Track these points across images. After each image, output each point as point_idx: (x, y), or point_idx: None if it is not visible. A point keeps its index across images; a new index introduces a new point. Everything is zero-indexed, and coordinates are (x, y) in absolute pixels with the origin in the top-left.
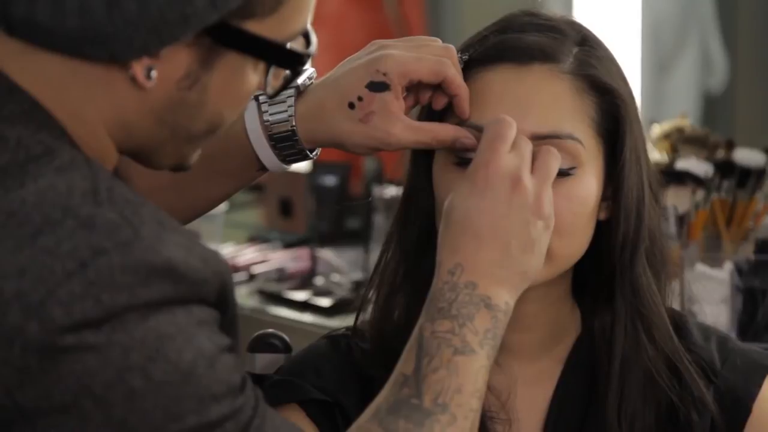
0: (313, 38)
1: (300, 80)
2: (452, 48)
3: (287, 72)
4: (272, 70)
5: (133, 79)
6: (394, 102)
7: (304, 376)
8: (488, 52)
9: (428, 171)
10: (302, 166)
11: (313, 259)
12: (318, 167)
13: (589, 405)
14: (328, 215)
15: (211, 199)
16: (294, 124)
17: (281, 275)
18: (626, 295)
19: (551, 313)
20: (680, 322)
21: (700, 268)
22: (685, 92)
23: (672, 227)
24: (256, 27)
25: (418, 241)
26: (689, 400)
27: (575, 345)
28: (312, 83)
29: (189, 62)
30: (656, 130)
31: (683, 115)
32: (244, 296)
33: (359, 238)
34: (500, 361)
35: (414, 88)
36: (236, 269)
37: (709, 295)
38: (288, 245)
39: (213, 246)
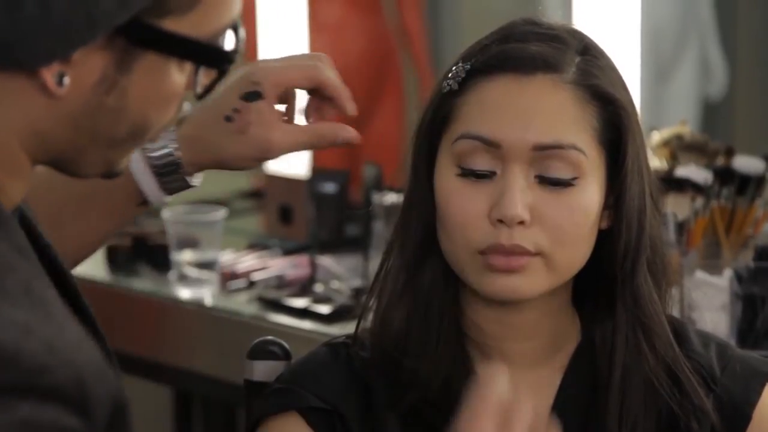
0: (242, 33)
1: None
2: (324, 55)
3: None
4: (201, 70)
5: (44, 87)
6: (270, 110)
7: (304, 383)
8: (490, 62)
9: (429, 180)
10: (301, 173)
11: (313, 266)
12: (317, 174)
13: (590, 413)
14: (327, 222)
15: (91, 240)
16: (178, 152)
17: (281, 282)
18: (627, 304)
19: (552, 321)
20: (680, 330)
21: (700, 275)
22: (684, 99)
23: (671, 234)
24: (174, 24)
25: (419, 250)
26: (689, 408)
27: (575, 353)
28: (190, 109)
29: (104, 65)
30: (655, 137)
31: (683, 122)
32: (243, 303)
33: (359, 245)
34: (500, 369)
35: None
36: (236, 276)
37: (708, 302)
38: (287, 252)
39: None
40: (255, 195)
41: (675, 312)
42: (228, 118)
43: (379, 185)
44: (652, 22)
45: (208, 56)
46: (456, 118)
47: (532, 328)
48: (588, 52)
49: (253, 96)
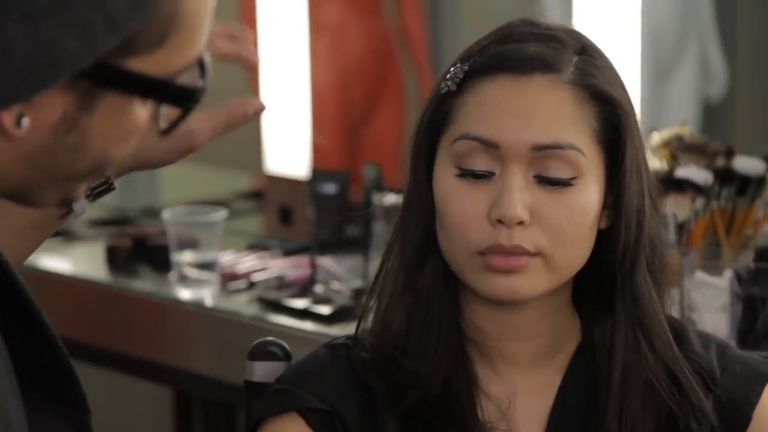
0: (208, 68)
1: None
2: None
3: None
4: (163, 108)
5: (2, 129)
6: None
7: (304, 385)
8: (488, 62)
9: (428, 181)
10: (302, 174)
11: (313, 266)
12: (317, 175)
13: (590, 413)
14: (327, 223)
15: (16, 256)
16: None
17: (281, 283)
18: (626, 304)
19: (551, 321)
20: (680, 330)
21: (700, 275)
22: (684, 100)
23: (671, 235)
24: (140, 64)
25: (419, 251)
26: (689, 408)
27: (575, 353)
28: None
29: (65, 106)
30: (656, 137)
31: (683, 122)
32: (243, 304)
33: (359, 245)
34: (500, 370)
35: None
36: (236, 277)
37: (708, 302)
38: (288, 253)
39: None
40: (255, 196)
41: (675, 312)
42: None
43: (379, 186)
44: (653, 22)
45: (172, 95)
46: (455, 118)
47: (531, 328)
48: (586, 51)
49: None
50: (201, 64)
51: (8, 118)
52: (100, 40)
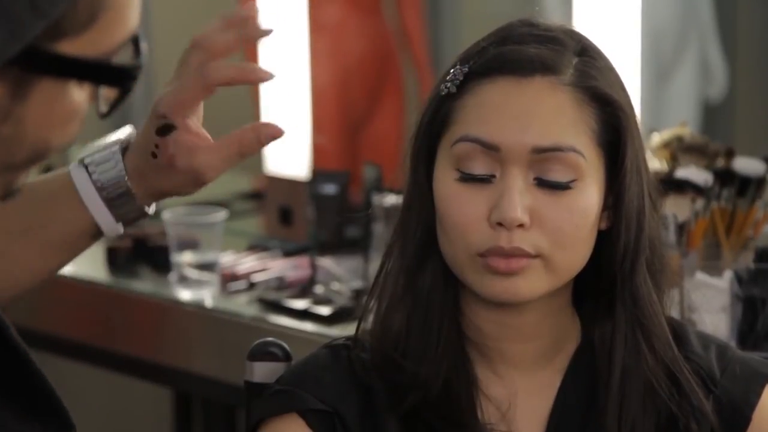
0: (143, 46)
1: (123, 137)
2: (195, 41)
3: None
4: (101, 89)
5: None
6: (187, 136)
7: (305, 385)
8: (488, 64)
9: (428, 182)
10: (302, 174)
11: (313, 267)
12: (317, 176)
13: (589, 415)
14: (328, 224)
15: (44, 272)
16: (127, 181)
17: (281, 283)
18: (626, 305)
19: (552, 323)
20: (679, 331)
21: (700, 276)
22: (684, 101)
23: (672, 236)
24: (70, 46)
25: (419, 253)
26: (689, 409)
27: (575, 354)
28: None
29: None
30: (656, 138)
31: (683, 123)
32: (243, 304)
33: (359, 246)
34: (500, 371)
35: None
36: (236, 278)
37: (708, 303)
38: (288, 253)
39: (213, 253)
40: (255, 196)
41: (675, 313)
42: (154, 155)
43: (380, 186)
44: (653, 23)
45: (108, 75)
46: (454, 120)
47: (532, 329)
48: (586, 53)
49: (164, 130)
50: (135, 42)
51: None
52: (26, 26)
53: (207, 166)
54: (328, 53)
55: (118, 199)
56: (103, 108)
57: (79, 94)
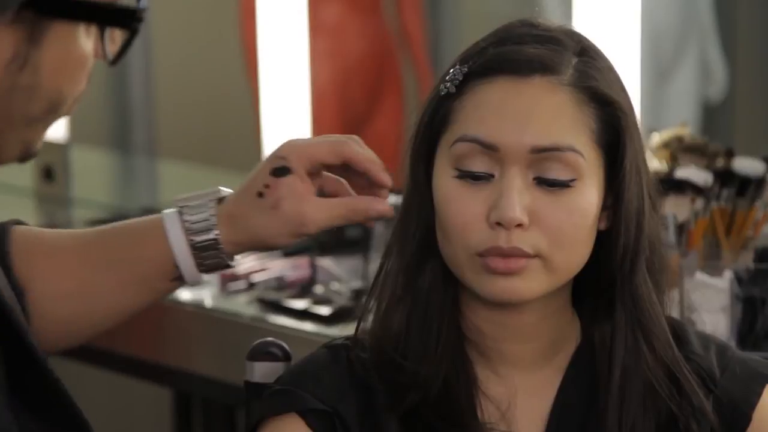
0: None
1: (222, 189)
2: (356, 137)
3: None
4: (107, 33)
5: None
6: (300, 184)
7: (304, 385)
8: (487, 64)
9: (428, 182)
10: None
11: (313, 267)
12: None
13: (589, 414)
14: None
15: (118, 311)
16: (216, 230)
17: (280, 284)
18: (626, 305)
19: (551, 323)
20: (679, 331)
21: (700, 276)
22: (684, 101)
23: (671, 236)
24: None
25: (418, 253)
26: (689, 409)
27: (575, 354)
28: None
29: (14, 42)
30: (655, 138)
31: (683, 123)
32: (243, 304)
33: (359, 246)
34: (500, 371)
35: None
36: (235, 278)
37: (708, 303)
38: (287, 254)
39: None
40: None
41: (675, 313)
42: (260, 194)
43: None
44: (653, 24)
45: (117, 16)
46: (454, 120)
47: (531, 329)
48: (585, 53)
49: (281, 171)
50: None
51: None
52: None
53: (311, 217)
54: (328, 53)
55: (204, 249)
56: (110, 56)
57: (86, 42)
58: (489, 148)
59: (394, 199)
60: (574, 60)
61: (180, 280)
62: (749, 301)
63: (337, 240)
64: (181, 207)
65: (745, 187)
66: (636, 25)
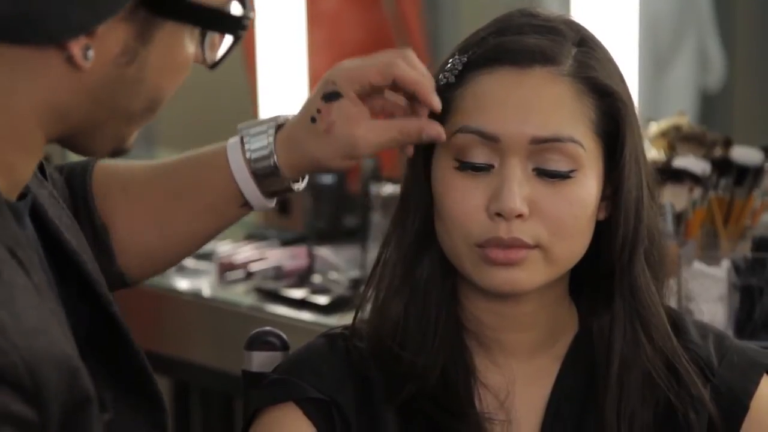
0: (249, 1)
1: (282, 115)
2: (408, 51)
3: (228, 38)
4: (208, 38)
5: (70, 60)
6: (352, 108)
7: (302, 374)
8: (487, 54)
9: (426, 173)
10: None
11: (311, 256)
12: None
13: (587, 402)
14: (325, 213)
15: (194, 239)
16: (275, 156)
17: (278, 273)
18: (625, 296)
19: (549, 312)
20: (678, 320)
21: (698, 265)
22: (682, 90)
23: (669, 225)
24: None
25: (416, 242)
26: (687, 399)
27: (573, 343)
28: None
29: (126, 37)
30: (653, 128)
31: (681, 113)
32: (241, 294)
33: (357, 236)
34: (498, 360)
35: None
36: (233, 267)
37: (706, 292)
38: (285, 243)
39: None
40: None
41: (673, 303)
42: (313, 119)
43: (377, 176)
44: (650, 13)
45: (224, 22)
46: (453, 111)
47: (529, 319)
48: (585, 43)
49: (331, 96)
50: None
51: (77, 48)
52: None
53: (363, 139)
54: (326, 44)
55: (264, 174)
56: (210, 60)
57: (191, 46)
58: (490, 139)
59: (393, 189)
60: (574, 50)
61: (248, 206)
62: (747, 291)
63: (336, 230)
64: (243, 135)
65: (743, 176)
66: (634, 15)
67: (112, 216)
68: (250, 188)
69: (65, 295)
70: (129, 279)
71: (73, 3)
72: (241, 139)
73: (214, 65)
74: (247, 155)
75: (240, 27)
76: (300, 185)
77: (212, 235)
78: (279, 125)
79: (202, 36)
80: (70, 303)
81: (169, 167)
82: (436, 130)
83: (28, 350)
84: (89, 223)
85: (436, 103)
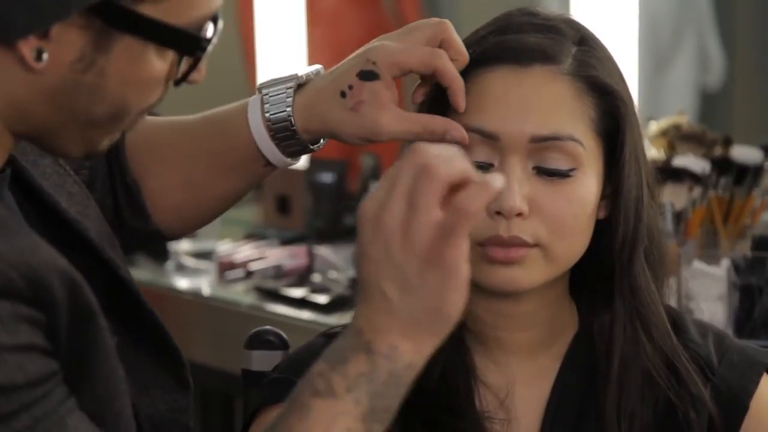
0: (219, 24)
1: (303, 73)
2: (446, 24)
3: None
4: (184, 57)
5: (22, 60)
6: (384, 91)
7: (302, 374)
8: (487, 53)
9: None
10: (299, 163)
11: (311, 256)
12: (315, 164)
13: (587, 401)
14: (325, 212)
15: (223, 197)
16: (292, 116)
17: (278, 272)
18: (625, 295)
19: (549, 311)
20: (677, 319)
21: (697, 265)
22: (682, 89)
23: (669, 224)
24: (151, 10)
25: None
26: (687, 398)
27: (573, 342)
28: (315, 76)
29: (82, 44)
30: (653, 127)
31: (680, 112)
32: (241, 293)
33: (356, 235)
34: (498, 359)
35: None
36: (233, 266)
37: (706, 291)
38: (285, 242)
39: (210, 242)
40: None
41: (672, 302)
42: (342, 94)
43: (377, 175)
44: (650, 12)
45: (181, 42)
46: (453, 109)
47: (529, 318)
48: (585, 42)
49: (368, 75)
50: (215, 22)
51: (27, 49)
52: None
53: (387, 126)
54: (326, 43)
55: (281, 134)
56: (195, 78)
57: (158, 62)
58: (490, 138)
59: None
60: (574, 49)
61: (272, 165)
62: (746, 290)
63: (335, 229)
64: (263, 95)
65: (743, 175)
66: (634, 14)
67: (143, 174)
68: (270, 149)
69: (75, 261)
70: (168, 234)
71: (19, 5)
72: (261, 99)
73: (176, 83)
74: (266, 116)
75: (197, 48)
76: (319, 146)
77: (243, 193)
78: (299, 84)
79: (180, 55)
80: (82, 269)
81: (193, 128)
82: (461, 133)
83: (25, 265)
84: (122, 179)
85: (463, 106)
